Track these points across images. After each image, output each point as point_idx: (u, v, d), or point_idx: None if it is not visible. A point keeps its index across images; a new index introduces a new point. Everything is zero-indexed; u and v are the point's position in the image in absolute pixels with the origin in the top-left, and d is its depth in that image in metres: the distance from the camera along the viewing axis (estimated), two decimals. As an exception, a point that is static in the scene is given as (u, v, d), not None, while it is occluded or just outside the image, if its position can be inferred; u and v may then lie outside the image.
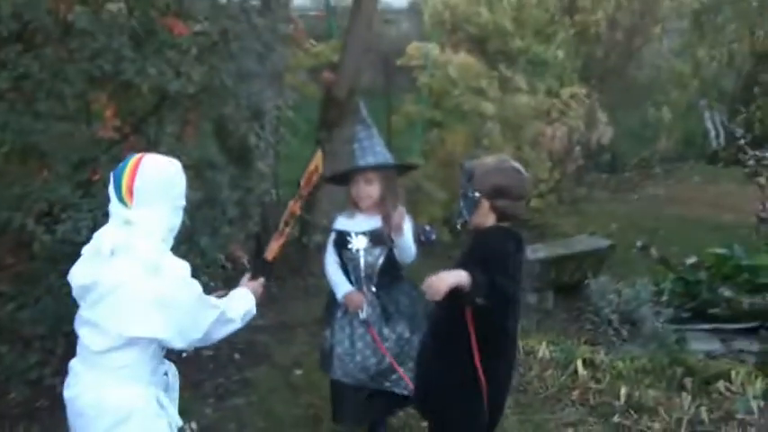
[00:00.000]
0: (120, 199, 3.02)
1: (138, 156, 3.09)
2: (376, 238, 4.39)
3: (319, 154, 4.17)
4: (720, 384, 5.49)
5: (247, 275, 3.63)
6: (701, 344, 6.46)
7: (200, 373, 5.73)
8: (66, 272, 4.38)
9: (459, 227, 3.64)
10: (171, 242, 3.13)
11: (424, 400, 3.76)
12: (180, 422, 3.23)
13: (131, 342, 2.99)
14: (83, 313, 3.08)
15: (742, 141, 6.99)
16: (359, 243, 4.41)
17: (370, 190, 4.37)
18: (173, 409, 3.19)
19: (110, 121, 4.79)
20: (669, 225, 10.35)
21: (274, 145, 6.22)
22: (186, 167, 5.71)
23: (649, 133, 14.19)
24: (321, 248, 7.42)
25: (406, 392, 4.37)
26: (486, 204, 3.46)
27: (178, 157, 5.22)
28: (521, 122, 9.41)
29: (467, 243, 3.65)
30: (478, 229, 3.54)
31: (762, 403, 5.25)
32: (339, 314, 4.45)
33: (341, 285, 4.43)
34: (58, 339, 4.87)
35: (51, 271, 4.83)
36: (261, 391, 5.53)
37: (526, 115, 9.44)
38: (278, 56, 5.76)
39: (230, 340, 6.01)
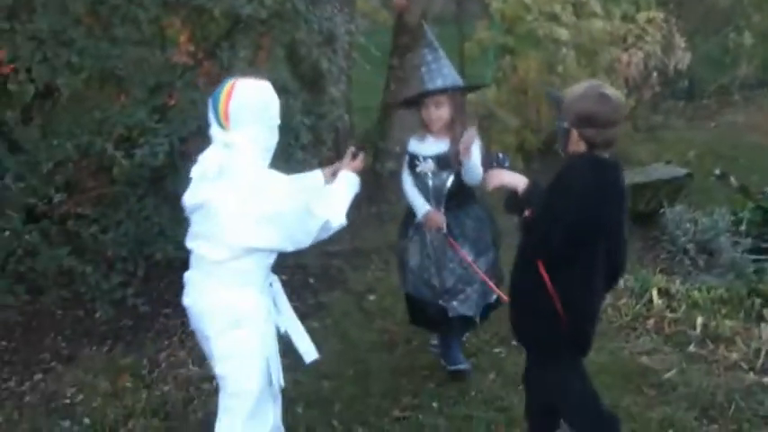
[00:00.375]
0: (219, 123, 3.23)
1: (231, 81, 3.27)
2: (443, 161, 4.41)
3: None
4: (800, 315, 5.38)
5: (348, 157, 3.75)
6: (780, 274, 6.32)
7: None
8: (144, 196, 4.49)
9: (562, 153, 3.54)
10: (269, 160, 3.34)
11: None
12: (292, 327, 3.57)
13: (249, 252, 3.26)
14: (196, 229, 3.35)
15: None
16: (427, 167, 4.45)
17: (439, 112, 4.39)
18: (285, 314, 3.56)
19: (184, 46, 4.80)
20: (749, 153, 10.07)
21: (346, 70, 6.17)
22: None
23: (729, 59, 13.70)
24: (394, 175, 7.48)
25: (470, 313, 4.50)
26: (574, 133, 3.37)
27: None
28: (596, 48, 9.18)
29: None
30: (571, 157, 3.46)
31: None
32: (411, 231, 4.56)
33: (420, 205, 4.49)
34: (138, 261, 5.01)
35: (131, 195, 4.93)
36: (335, 316, 5.60)
37: (601, 41, 9.20)
38: (350, -20, 5.70)
39: (305, 264, 6.13)
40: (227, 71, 5.11)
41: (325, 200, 3.45)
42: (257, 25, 5.06)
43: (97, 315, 5.16)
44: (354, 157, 3.74)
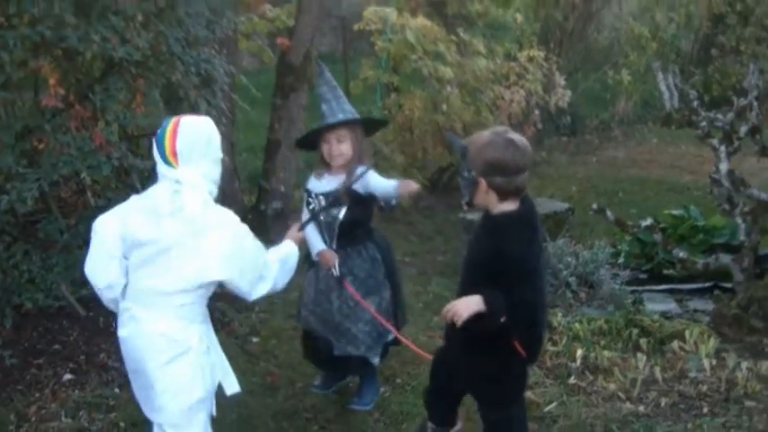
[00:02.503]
0: (166, 161, 3.33)
1: (174, 119, 3.38)
2: (332, 199, 4.39)
3: None
4: (675, 344, 5.54)
5: (294, 227, 4.05)
6: (656, 304, 6.52)
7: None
8: (13, 242, 4.34)
9: (465, 206, 3.56)
10: (215, 193, 3.45)
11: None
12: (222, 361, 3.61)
13: (197, 286, 3.36)
14: (138, 260, 3.36)
15: (695, 103, 6.98)
16: (317, 203, 4.44)
17: (342, 148, 4.40)
18: (217, 349, 3.59)
19: (54, 90, 4.67)
20: (628, 187, 10.41)
21: (227, 112, 6.11)
22: (137, 136, 5.71)
23: (608, 95, 14.21)
24: (278, 215, 7.44)
25: (356, 352, 4.52)
26: (483, 183, 3.34)
27: (127, 125, 5.22)
28: (479, 86, 9.34)
29: (480, 228, 3.58)
30: (487, 216, 3.46)
31: (714, 361, 5.31)
32: (307, 267, 4.55)
33: (315, 244, 4.48)
34: (6, 311, 4.82)
35: (-4, 242, 4.76)
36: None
37: (485, 79, 9.37)
38: (227, 21, 5.67)
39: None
40: (101, 114, 5.02)
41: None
42: (131, 67, 4.97)
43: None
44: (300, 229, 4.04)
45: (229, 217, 3.41)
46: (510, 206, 3.41)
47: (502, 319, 3.33)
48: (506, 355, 3.49)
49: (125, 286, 3.45)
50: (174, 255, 3.30)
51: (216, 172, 3.45)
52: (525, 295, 3.32)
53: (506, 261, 3.32)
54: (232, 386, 3.67)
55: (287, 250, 3.75)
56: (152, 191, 3.40)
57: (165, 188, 3.33)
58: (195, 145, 3.33)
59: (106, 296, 3.54)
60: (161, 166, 3.36)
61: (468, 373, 3.72)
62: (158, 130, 3.38)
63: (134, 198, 3.47)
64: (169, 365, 3.35)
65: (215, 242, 3.30)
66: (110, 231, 3.40)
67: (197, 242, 3.29)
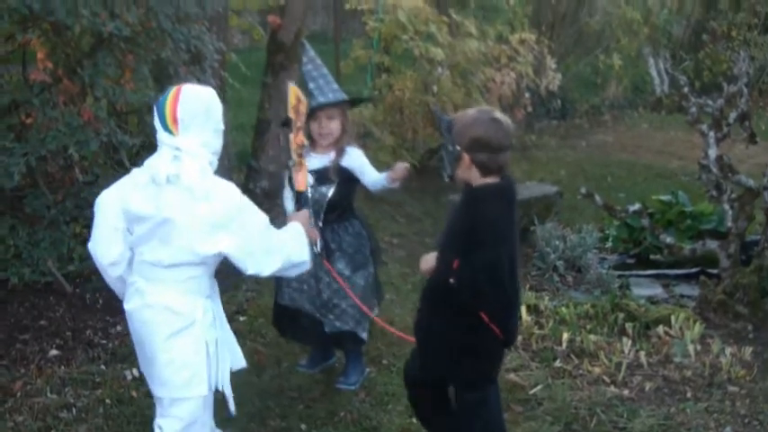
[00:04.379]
0: (166, 128, 3.30)
1: (176, 87, 3.36)
2: (322, 176, 4.42)
3: (293, 87, 4.20)
4: (660, 329, 5.57)
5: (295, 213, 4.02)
6: (643, 289, 6.55)
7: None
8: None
9: (447, 179, 3.59)
10: (216, 164, 3.42)
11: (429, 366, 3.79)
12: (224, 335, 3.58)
13: (200, 259, 3.34)
14: (140, 234, 3.35)
15: (685, 89, 6.98)
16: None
17: (331, 126, 4.42)
18: (223, 323, 3.60)
19: (42, 64, 4.64)
20: (617, 172, 10.45)
21: (216, 89, 6.06)
22: (126, 113, 5.67)
23: (599, 80, 14.22)
24: (267, 194, 7.42)
25: (346, 328, 4.55)
26: (466, 158, 3.41)
27: (116, 101, 5.18)
28: (470, 68, 9.32)
29: (461, 200, 3.61)
30: (468, 188, 3.51)
31: (698, 347, 5.34)
32: None
33: None
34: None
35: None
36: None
37: (476, 61, 9.34)
38: (218, -3, 5.64)
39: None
40: (90, 90, 4.99)
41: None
42: (121, 43, 4.93)
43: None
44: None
45: (229, 187, 3.38)
46: (491, 180, 3.48)
47: (451, 280, 3.40)
48: (477, 330, 3.52)
49: (131, 261, 3.46)
50: (174, 227, 3.28)
51: (217, 143, 3.43)
52: (479, 261, 3.34)
53: (475, 225, 3.40)
54: (239, 362, 3.68)
55: (295, 226, 3.71)
56: (151, 160, 3.36)
57: (164, 156, 3.31)
58: (196, 113, 3.31)
59: (111, 275, 3.52)
60: (161, 134, 3.33)
61: (439, 349, 3.73)
62: (160, 97, 3.36)
63: (135, 171, 3.44)
64: (173, 338, 3.36)
65: (214, 213, 3.28)
66: (111, 205, 3.39)
67: (196, 213, 3.26)
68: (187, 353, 3.39)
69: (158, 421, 3.53)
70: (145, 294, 3.38)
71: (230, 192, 3.37)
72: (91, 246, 3.50)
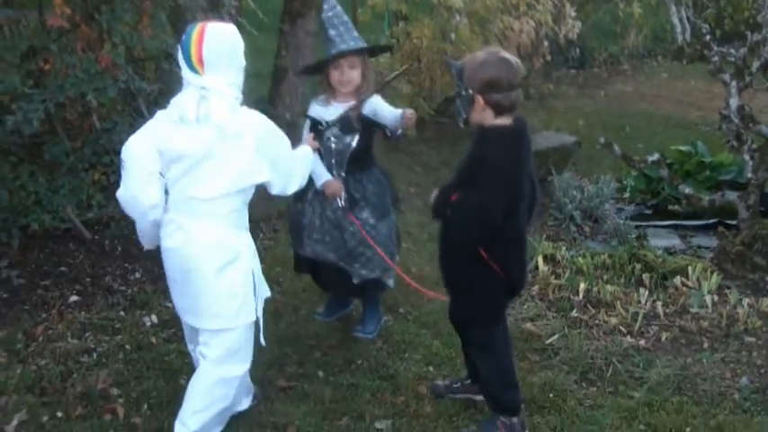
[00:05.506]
0: (192, 68, 3.33)
1: (200, 25, 3.36)
2: (345, 126, 4.37)
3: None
4: (677, 280, 5.58)
5: (309, 135, 4.24)
6: (661, 240, 6.54)
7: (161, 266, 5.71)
8: (19, 163, 4.31)
9: (462, 125, 3.67)
10: (241, 99, 3.47)
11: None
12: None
13: (242, 190, 3.46)
14: (177, 173, 3.41)
15: (707, 37, 6.88)
16: (330, 131, 4.39)
17: (353, 74, 4.37)
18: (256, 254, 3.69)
19: (60, 9, 4.59)
20: (636, 122, 10.35)
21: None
22: (143, 59, 5.64)
23: (619, 29, 14.02)
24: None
25: (373, 275, 4.51)
26: (480, 100, 3.46)
27: (133, 48, 5.15)
28: (488, 16, 9.19)
29: (473, 140, 3.63)
30: (480, 128, 3.54)
31: (715, 297, 5.35)
32: (311, 195, 4.46)
33: (320, 173, 4.41)
34: (13, 232, 4.83)
35: (4, 163, 4.74)
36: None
37: (494, 9, 9.21)
38: (236, -58, 5.57)
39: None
40: (107, 36, 4.96)
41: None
42: (138, -12, 4.89)
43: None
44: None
45: (259, 117, 3.49)
46: (504, 121, 3.51)
47: (448, 212, 3.56)
48: (476, 267, 3.58)
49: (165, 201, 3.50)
50: (211, 162, 3.35)
51: (240, 79, 3.46)
52: (472, 199, 3.42)
53: (476, 164, 3.49)
54: (265, 291, 3.76)
55: (305, 150, 3.92)
56: (177, 99, 3.40)
57: (192, 95, 3.35)
58: (221, 52, 3.33)
59: (151, 218, 3.50)
60: (186, 73, 3.36)
61: (446, 280, 3.86)
62: (183, 36, 3.36)
63: (160, 113, 3.45)
64: (222, 271, 3.42)
65: (249, 144, 3.38)
66: (144, 149, 3.38)
67: (231, 147, 3.35)
68: (236, 284, 3.48)
69: (201, 350, 3.59)
70: (189, 231, 3.43)
71: (261, 120, 3.49)
72: (124, 193, 3.46)
